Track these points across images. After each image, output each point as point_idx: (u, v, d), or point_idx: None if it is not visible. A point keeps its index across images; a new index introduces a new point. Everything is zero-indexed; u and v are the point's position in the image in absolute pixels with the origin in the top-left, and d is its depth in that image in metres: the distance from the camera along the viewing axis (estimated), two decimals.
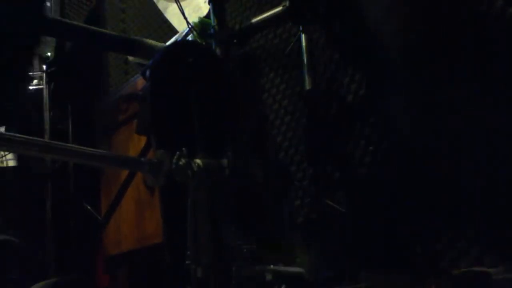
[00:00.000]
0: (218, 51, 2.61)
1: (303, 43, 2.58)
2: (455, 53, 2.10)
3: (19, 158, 3.99)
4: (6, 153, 3.84)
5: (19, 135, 1.67)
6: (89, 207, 3.68)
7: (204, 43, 2.73)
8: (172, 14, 3.65)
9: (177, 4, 2.63)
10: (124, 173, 2.92)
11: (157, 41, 3.28)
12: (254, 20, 2.63)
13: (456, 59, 2.10)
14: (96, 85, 4.26)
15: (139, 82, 3.07)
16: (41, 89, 3.97)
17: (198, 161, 1.91)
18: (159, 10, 3.79)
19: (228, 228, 1.97)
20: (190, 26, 2.72)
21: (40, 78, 4.02)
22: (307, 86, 2.56)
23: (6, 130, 3.78)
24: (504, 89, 1.94)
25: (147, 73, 2.41)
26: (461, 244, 2.02)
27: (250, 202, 2.12)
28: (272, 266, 1.97)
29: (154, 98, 2.31)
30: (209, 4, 2.76)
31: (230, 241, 1.95)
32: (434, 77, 2.16)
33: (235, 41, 2.65)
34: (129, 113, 3.17)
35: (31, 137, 1.67)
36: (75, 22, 3.64)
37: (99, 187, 3.45)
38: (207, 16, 2.94)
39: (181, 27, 3.33)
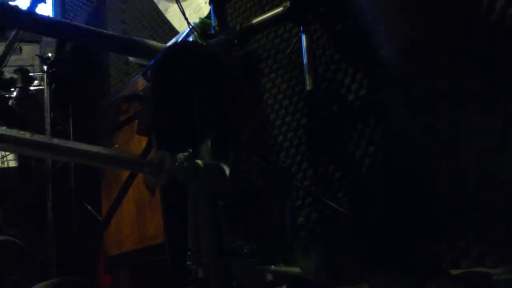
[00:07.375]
0: (219, 51, 2.61)
1: (304, 43, 2.59)
2: (456, 53, 2.10)
3: (20, 159, 3.99)
4: (7, 153, 3.84)
5: (19, 135, 1.67)
6: (90, 208, 3.69)
7: (205, 44, 2.73)
8: (172, 15, 3.66)
9: (177, 4, 2.63)
10: (125, 174, 2.93)
11: (158, 41, 3.29)
12: (255, 20, 2.63)
13: (457, 59, 2.10)
14: (97, 85, 4.26)
15: (140, 82, 3.07)
16: (42, 89, 3.96)
17: (199, 161, 1.91)
18: (159, 11, 3.80)
19: (229, 228, 1.97)
20: (191, 27, 2.72)
21: (41, 79, 4.01)
22: (308, 86, 2.56)
23: None
24: (505, 90, 1.94)
25: (148, 73, 2.41)
26: (462, 244, 2.02)
27: (251, 203, 2.12)
28: (272, 267, 1.96)
29: (155, 98, 2.31)
30: (209, 4, 2.76)
31: (230, 241, 1.95)
32: (435, 77, 2.16)
33: (236, 41, 2.65)
34: (130, 113, 3.17)
35: (31, 137, 1.67)
36: (76, 23, 3.65)
37: (100, 187, 3.45)
38: (208, 16, 2.94)
39: (182, 27, 3.34)
